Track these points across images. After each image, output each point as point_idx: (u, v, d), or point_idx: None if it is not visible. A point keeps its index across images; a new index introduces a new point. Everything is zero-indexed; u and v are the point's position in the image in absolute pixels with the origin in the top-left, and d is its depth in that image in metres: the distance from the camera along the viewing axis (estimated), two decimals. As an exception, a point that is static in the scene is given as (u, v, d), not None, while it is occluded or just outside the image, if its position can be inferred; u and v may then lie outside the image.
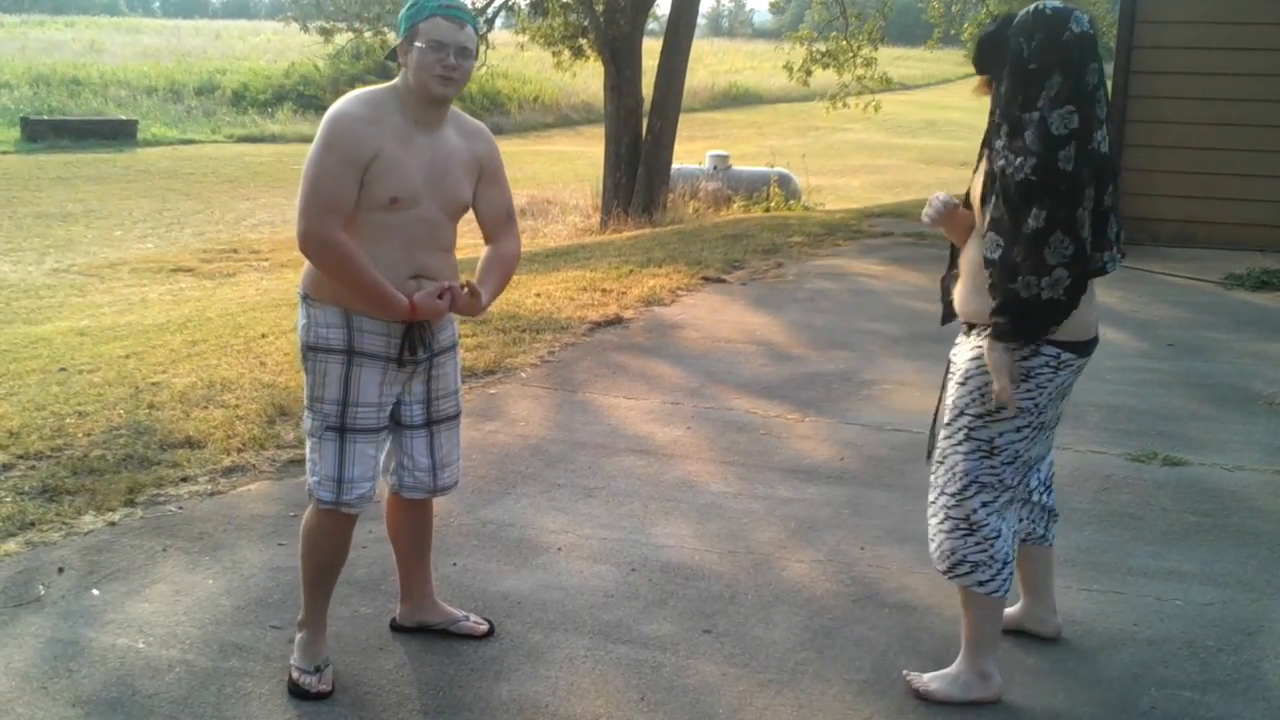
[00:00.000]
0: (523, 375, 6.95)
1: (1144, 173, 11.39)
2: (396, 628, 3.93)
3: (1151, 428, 6.01)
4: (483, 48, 19.93)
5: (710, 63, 50.49)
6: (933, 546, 3.58)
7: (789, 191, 20.22)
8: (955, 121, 37.10)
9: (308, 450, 3.56)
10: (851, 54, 19.41)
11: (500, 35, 23.16)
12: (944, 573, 3.55)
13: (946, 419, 3.52)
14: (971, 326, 3.48)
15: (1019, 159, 3.19)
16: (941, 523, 3.52)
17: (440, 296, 3.44)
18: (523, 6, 20.15)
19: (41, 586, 4.21)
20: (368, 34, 19.20)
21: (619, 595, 4.17)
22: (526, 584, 4.27)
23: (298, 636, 3.64)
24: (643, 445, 5.74)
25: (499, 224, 3.69)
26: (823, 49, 19.70)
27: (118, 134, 30.04)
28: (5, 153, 27.27)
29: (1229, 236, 11.13)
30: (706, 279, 9.87)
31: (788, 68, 20.14)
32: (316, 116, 34.14)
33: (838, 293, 9.39)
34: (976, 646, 3.52)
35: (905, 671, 3.61)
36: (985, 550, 3.45)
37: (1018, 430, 3.42)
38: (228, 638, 3.85)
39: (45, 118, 30.30)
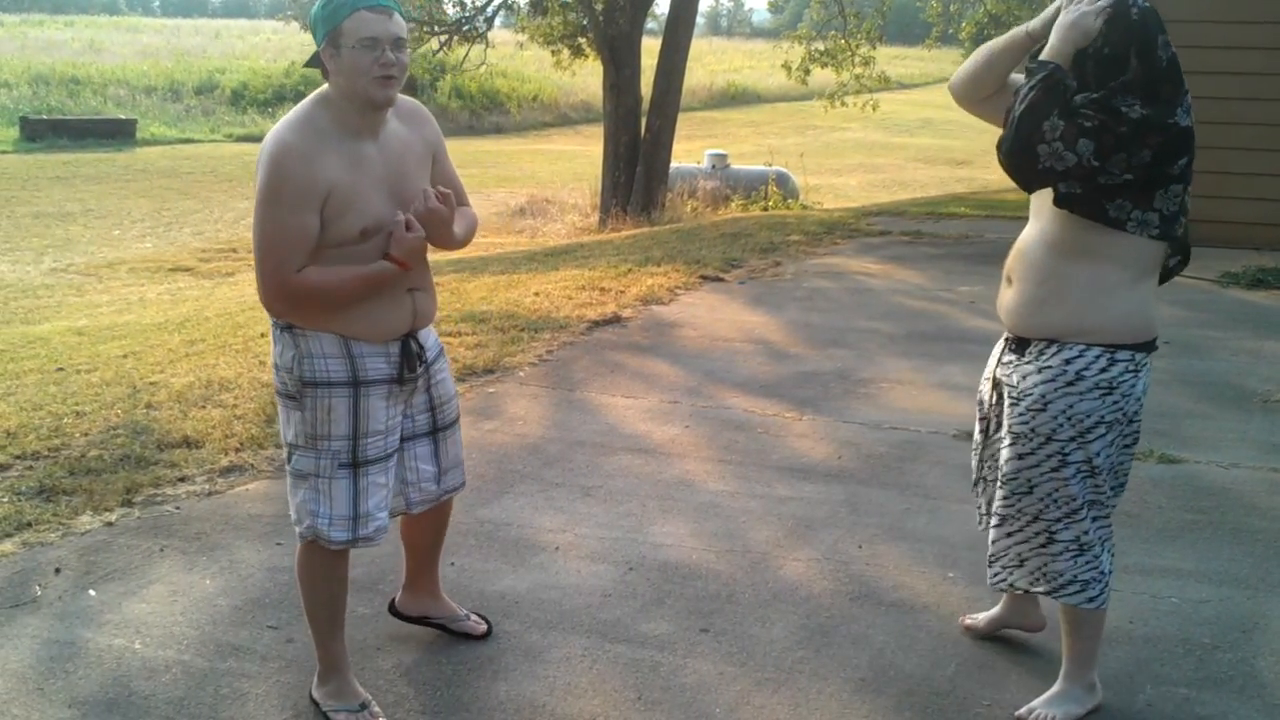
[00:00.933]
0: (521, 374, 6.96)
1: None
2: (395, 613, 3.93)
3: (1147, 425, 5.94)
4: (482, 47, 19.96)
5: (709, 62, 50.47)
6: (1020, 570, 3.44)
7: (787, 190, 20.23)
8: (953, 120, 37.08)
9: (300, 493, 3.37)
10: (850, 53, 19.43)
11: (499, 34, 23.17)
12: (1049, 593, 3.41)
13: (1024, 447, 3.31)
14: (1024, 342, 3.36)
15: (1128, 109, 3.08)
16: (1044, 547, 3.37)
17: (408, 229, 3.20)
18: (522, 5, 20.17)
19: (38, 587, 4.22)
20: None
21: (616, 594, 4.17)
22: (524, 583, 4.28)
23: (324, 689, 3.45)
24: (640, 444, 5.75)
25: (460, 200, 3.49)
26: (821, 48, 19.73)
27: (117, 133, 30.03)
28: (4, 152, 27.28)
29: (1224, 235, 11.12)
30: (705, 278, 9.87)
31: (786, 67, 20.17)
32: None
33: (835, 291, 9.39)
34: (1085, 661, 3.44)
35: (1016, 712, 3.46)
36: (1094, 567, 3.35)
37: (1112, 444, 3.29)
38: (225, 638, 3.86)
39: (44, 117, 30.29)
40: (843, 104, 19.99)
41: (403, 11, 3.22)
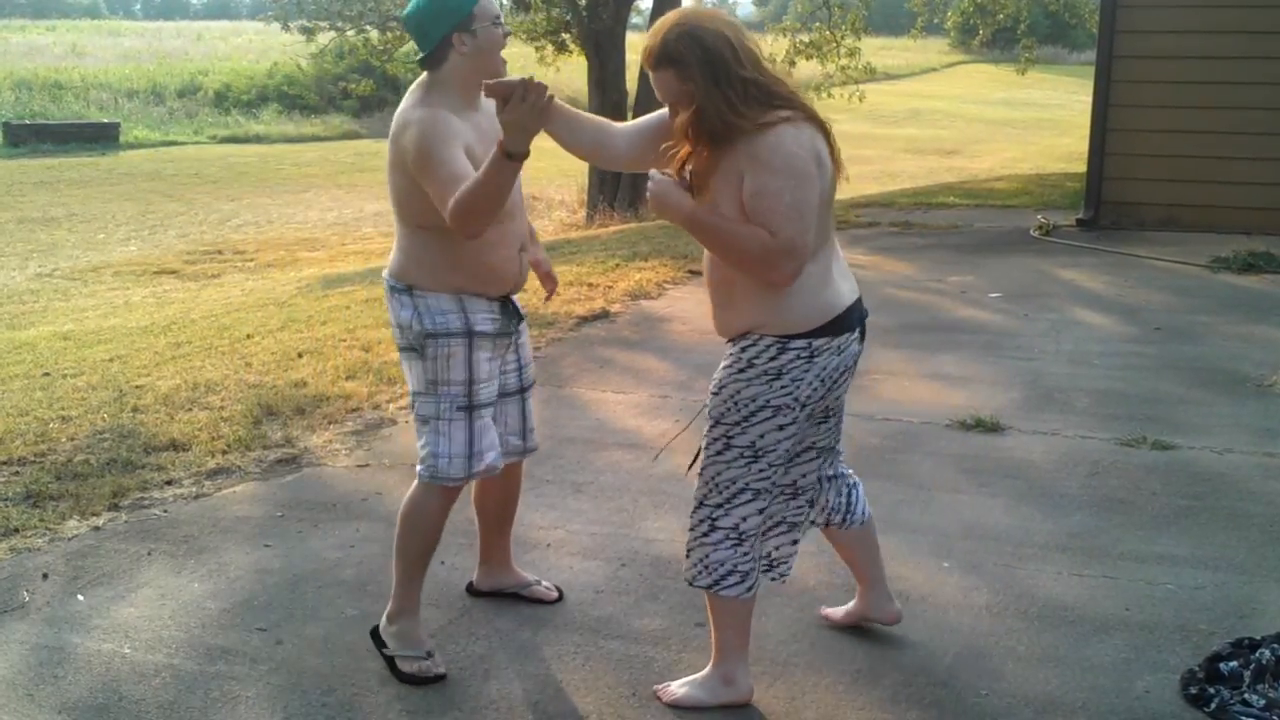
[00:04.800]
0: (509, 371, 6.91)
1: (1128, 157, 11.42)
2: (474, 592, 4.15)
3: (1140, 412, 5.99)
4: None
5: None
6: (690, 561, 3.42)
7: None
8: (940, 110, 37.15)
9: (424, 435, 3.64)
10: (835, 44, 19.37)
11: (483, 31, 23.11)
12: (707, 587, 3.39)
13: (705, 430, 3.38)
14: (732, 341, 3.38)
15: None
16: (707, 535, 3.37)
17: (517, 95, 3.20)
18: (505, 2, 20.10)
19: (26, 593, 4.18)
20: (350, 33, 19.12)
21: (609, 591, 4.14)
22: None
23: (393, 628, 3.69)
24: (631, 439, 5.72)
25: None
26: (806, 40, 19.66)
27: (100, 137, 29.92)
28: (-13, 158, 27.18)
29: (1214, 220, 11.13)
30: (693, 272, 9.83)
31: (771, 59, 20.10)
32: (301, 116, 34.23)
33: (824, 283, 9.35)
34: (730, 652, 3.43)
35: (655, 687, 3.51)
36: (749, 558, 3.37)
37: (781, 429, 3.29)
38: (214, 641, 3.82)
39: (27, 122, 30.17)
40: (829, 95, 19.92)
41: None
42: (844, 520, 3.68)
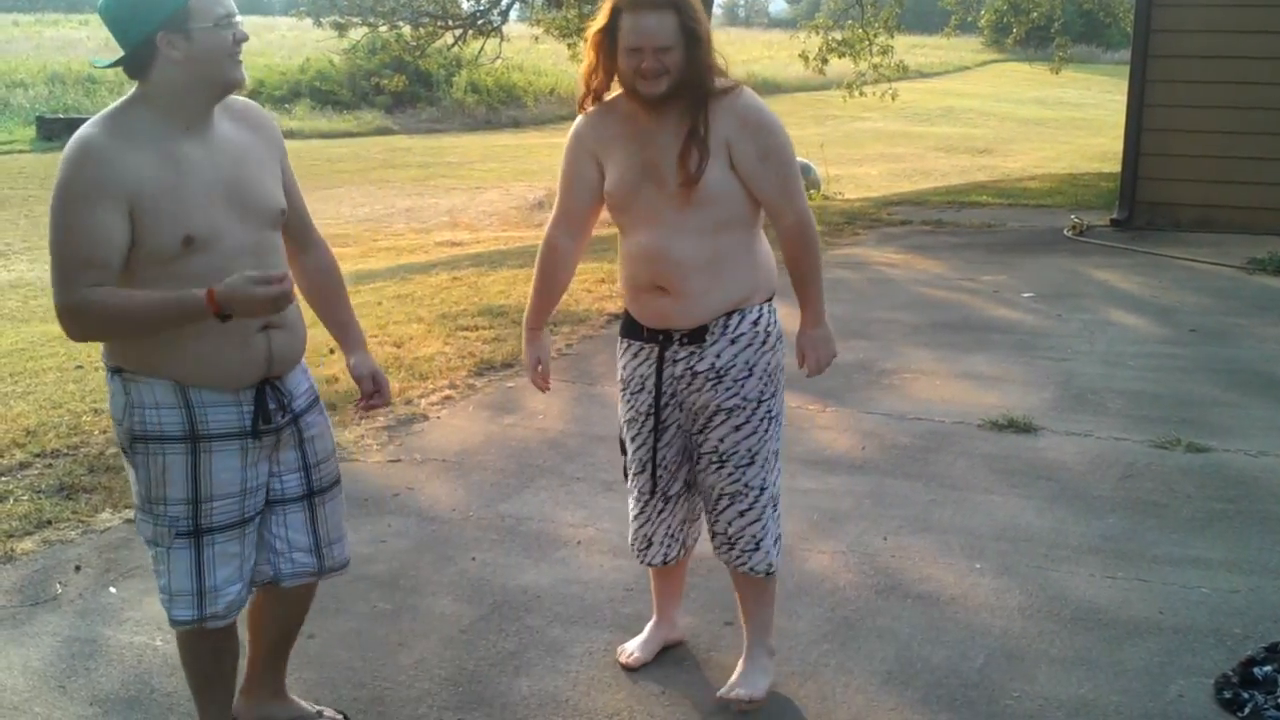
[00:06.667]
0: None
1: (1163, 157, 11.33)
2: None
3: (1174, 414, 5.95)
4: (497, 40, 19.91)
5: (727, 52, 48.37)
6: (763, 550, 3.40)
7: (809, 181, 20.08)
8: (973, 109, 36.97)
9: (151, 560, 2.95)
10: (868, 42, 19.28)
11: (515, 28, 23.08)
12: (773, 570, 3.45)
13: (737, 423, 3.31)
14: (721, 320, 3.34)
15: None
16: (774, 513, 3.42)
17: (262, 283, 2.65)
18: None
19: (59, 585, 4.21)
20: (382, 28, 19.16)
21: (639, 589, 4.13)
22: (546, 578, 4.25)
23: None
24: (661, 437, 5.70)
25: (307, 227, 3.17)
26: (839, 37, 19.57)
27: (133, 132, 30.00)
28: (21, 151, 27.39)
29: (1250, 220, 11.02)
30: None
31: (803, 56, 20.03)
32: (333, 112, 34.30)
33: (856, 282, 9.33)
34: (771, 625, 3.56)
35: (730, 697, 3.39)
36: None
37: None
38: (245, 634, 3.82)
39: (60, 116, 30.30)
40: (861, 93, 19.85)
41: None
42: None
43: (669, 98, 3.16)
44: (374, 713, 3.41)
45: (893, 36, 19.70)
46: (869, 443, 5.60)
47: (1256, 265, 9.49)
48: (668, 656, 3.69)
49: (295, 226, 3.08)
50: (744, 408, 3.32)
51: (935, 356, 7.08)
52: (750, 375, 3.31)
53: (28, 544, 4.51)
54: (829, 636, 3.80)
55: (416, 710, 3.41)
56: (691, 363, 3.31)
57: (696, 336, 3.30)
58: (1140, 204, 11.52)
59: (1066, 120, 34.43)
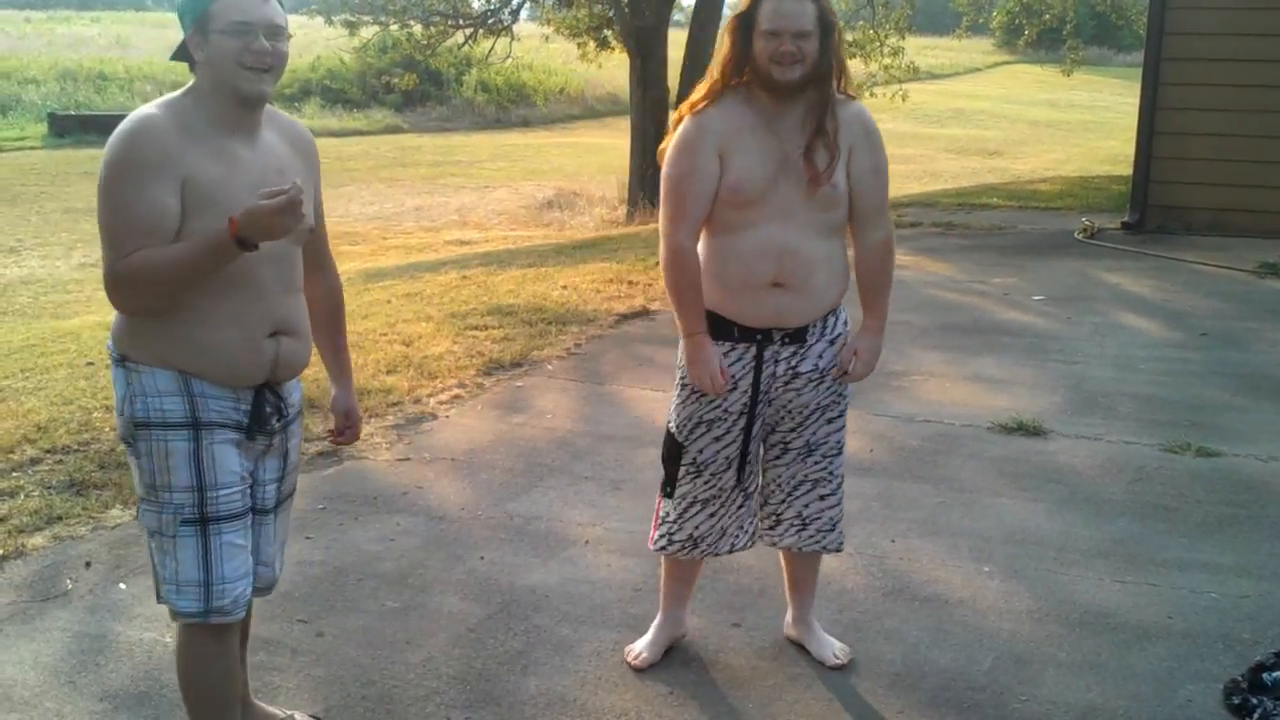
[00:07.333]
0: (549, 368, 6.93)
1: (1175, 160, 11.30)
2: None
3: (1184, 418, 5.94)
4: (507, 40, 19.93)
5: None
6: (837, 530, 3.65)
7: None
8: (983, 111, 36.89)
9: (151, 552, 2.90)
10: (879, 43, 19.28)
11: (526, 27, 23.11)
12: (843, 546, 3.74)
13: (830, 416, 3.53)
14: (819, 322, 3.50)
15: None
16: (841, 502, 3.64)
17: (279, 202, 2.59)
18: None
19: (69, 580, 4.21)
20: (394, 27, 19.19)
21: (647, 589, 4.13)
22: (554, 577, 4.25)
23: None
24: (670, 437, 5.70)
25: (324, 250, 3.18)
26: (850, 38, 19.55)
27: (145, 129, 30.03)
28: (33, 148, 27.40)
29: (1262, 224, 10.99)
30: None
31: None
32: (344, 110, 34.30)
33: (865, 283, 9.30)
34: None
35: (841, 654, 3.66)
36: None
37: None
38: (254, 631, 3.80)
39: (72, 113, 30.33)
40: (871, 95, 19.83)
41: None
42: None
43: (800, 89, 3.23)
44: (382, 710, 3.41)
45: (904, 38, 19.69)
46: (878, 445, 5.60)
47: (1268, 269, 9.46)
48: (675, 657, 3.69)
49: (315, 247, 3.10)
50: (838, 404, 3.52)
51: (945, 359, 7.07)
52: (844, 374, 3.49)
53: (38, 539, 4.52)
54: (837, 638, 3.79)
55: (424, 708, 3.41)
56: (794, 363, 3.41)
57: (798, 336, 3.39)
58: (1152, 207, 11.50)
59: (1078, 123, 34.37)
